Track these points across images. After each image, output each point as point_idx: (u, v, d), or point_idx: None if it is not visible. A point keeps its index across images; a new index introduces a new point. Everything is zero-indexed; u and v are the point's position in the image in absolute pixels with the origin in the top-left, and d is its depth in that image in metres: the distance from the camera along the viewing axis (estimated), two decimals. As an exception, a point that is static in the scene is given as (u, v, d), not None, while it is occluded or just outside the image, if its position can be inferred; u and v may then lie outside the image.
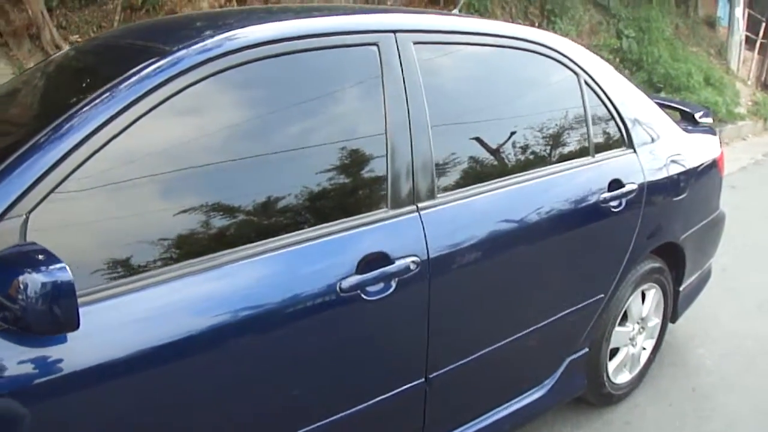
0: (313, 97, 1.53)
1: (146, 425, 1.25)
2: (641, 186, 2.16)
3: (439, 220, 1.61)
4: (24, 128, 1.38)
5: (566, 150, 2.05)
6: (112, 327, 1.18)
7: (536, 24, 7.39)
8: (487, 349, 1.80)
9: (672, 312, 2.71)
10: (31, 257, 1.04)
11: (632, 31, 7.99)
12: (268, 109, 1.49)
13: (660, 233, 2.34)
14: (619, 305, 2.29)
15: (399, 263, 1.50)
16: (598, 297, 2.12)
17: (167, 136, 1.34)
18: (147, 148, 1.30)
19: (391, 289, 1.50)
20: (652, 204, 2.23)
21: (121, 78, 1.30)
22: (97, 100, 1.25)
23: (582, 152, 2.06)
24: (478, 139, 1.80)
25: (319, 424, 1.49)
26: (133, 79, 1.30)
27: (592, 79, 2.10)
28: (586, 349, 2.23)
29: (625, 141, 2.19)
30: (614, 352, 2.44)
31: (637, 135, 2.22)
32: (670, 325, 2.78)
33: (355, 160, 1.55)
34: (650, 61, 7.76)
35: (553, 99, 2.06)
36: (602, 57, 7.24)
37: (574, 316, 2.07)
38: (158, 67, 1.31)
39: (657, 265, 2.43)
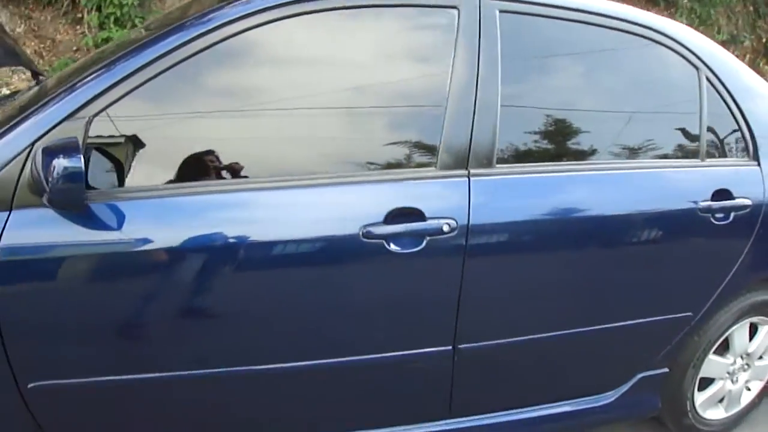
0: (382, 53, 1.59)
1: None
2: (759, 203, 1.93)
3: (491, 190, 1.59)
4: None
5: (668, 148, 1.89)
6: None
7: (764, 39, 6.76)
8: (531, 336, 1.73)
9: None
10: (66, 148, 1.23)
11: None
12: (338, 59, 1.57)
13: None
14: (715, 331, 2.07)
15: (431, 222, 1.50)
16: (683, 314, 1.94)
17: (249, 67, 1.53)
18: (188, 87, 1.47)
19: (420, 247, 1.50)
20: (771, 225, 1.98)
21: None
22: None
23: (689, 154, 1.89)
24: (558, 120, 1.74)
25: (340, 360, 1.55)
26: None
27: (716, 77, 1.91)
28: (666, 370, 2.04)
29: (749, 151, 1.96)
30: (708, 383, 2.22)
31: (765, 145, 1.98)
32: None
33: (412, 119, 1.59)
34: None
35: (662, 92, 1.91)
36: None
37: (649, 329, 1.91)
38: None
39: (773, 297, 2.16)
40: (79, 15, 4.44)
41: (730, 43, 6.35)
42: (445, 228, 1.50)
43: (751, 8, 6.60)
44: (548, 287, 1.73)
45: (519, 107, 1.66)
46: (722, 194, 1.87)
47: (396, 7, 1.57)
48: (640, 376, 1.99)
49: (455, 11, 1.57)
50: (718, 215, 1.86)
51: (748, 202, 1.90)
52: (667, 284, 1.89)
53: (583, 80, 1.81)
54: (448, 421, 1.77)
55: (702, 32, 5.96)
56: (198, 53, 1.42)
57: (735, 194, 1.89)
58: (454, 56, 1.55)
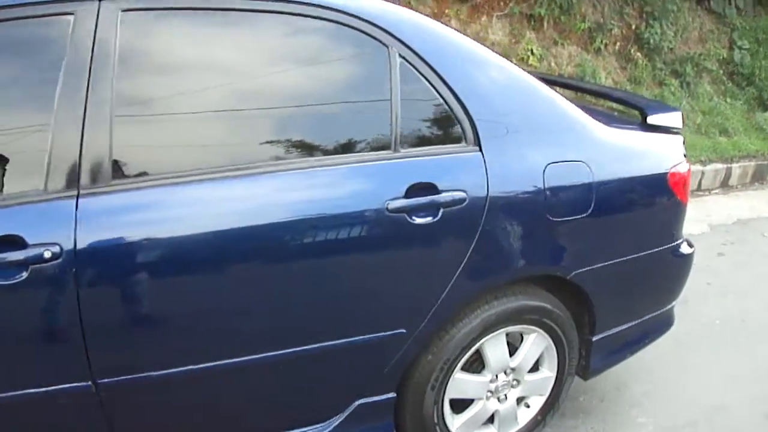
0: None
1: None
2: (479, 195, 1.66)
3: (105, 209, 1.37)
4: None
5: (355, 141, 1.62)
6: None
7: (633, 27, 6.58)
8: (195, 366, 1.48)
9: (584, 366, 2.13)
10: None
11: (746, 43, 6.89)
12: None
13: (522, 262, 1.80)
14: (455, 347, 1.79)
15: (32, 249, 1.30)
16: (394, 332, 1.66)
17: None
18: None
19: (23, 277, 1.31)
20: (503, 221, 1.72)
21: None
22: None
23: (376, 145, 1.61)
24: (207, 123, 1.51)
25: None
26: None
27: (415, 53, 1.63)
28: (393, 395, 1.76)
29: (465, 135, 1.69)
30: (469, 403, 1.95)
31: (489, 128, 1.70)
32: (612, 380, 2.33)
33: (16, 139, 1.38)
34: (763, 76, 6.63)
35: (346, 77, 1.65)
36: (706, 68, 6.29)
37: (354, 350, 1.64)
38: None
39: (535, 303, 1.89)
40: None
41: (597, 30, 6.16)
42: (47, 255, 1.31)
43: (618, -5, 6.43)
44: (201, 310, 1.48)
45: (142, 116, 1.46)
46: (422, 188, 1.60)
47: (11, 21, 1.36)
48: (358, 403, 1.72)
49: (71, 17, 1.37)
50: (417, 214, 1.58)
51: (461, 195, 1.63)
52: (367, 299, 1.62)
53: (235, 75, 1.55)
54: None
55: (563, 22, 5.72)
56: None
57: (441, 187, 1.61)
58: (63, 66, 1.36)
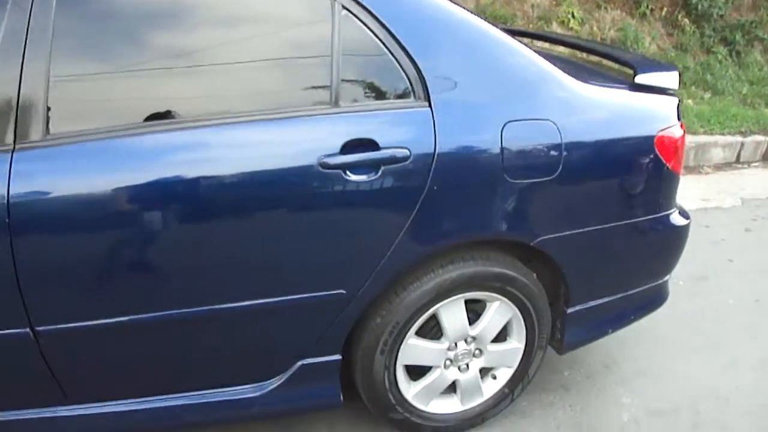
0: None
1: None
2: (425, 153, 1.59)
3: (43, 161, 1.38)
4: None
5: (278, 95, 1.57)
6: None
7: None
8: (135, 317, 1.50)
9: (558, 340, 2.04)
10: None
11: (807, 10, 6.43)
12: None
13: (475, 226, 1.72)
14: (405, 311, 1.73)
15: None
16: (332, 292, 1.62)
17: None
18: None
19: None
20: (453, 182, 1.63)
21: None
22: None
23: (315, 100, 1.56)
24: (132, 77, 1.48)
25: None
26: None
27: (358, 4, 1.56)
28: (338, 357, 1.73)
29: (414, 90, 1.61)
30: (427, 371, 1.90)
31: (441, 83, 1.61)
32: (603, 356, 2.26)
33: None
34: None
35: (274, 27, 1.58)
36: (758, 37, 6.01)
37: (292, 309, 1.60)
38: None
39: (497, 270, 1.81)
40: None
41: (644, -8, 5.84)
42: None
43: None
44: (133, 262, 1.49)
45: (79, 69, 1.44)
46: (360, 145, 1.53)
47: None
48: (300, 363, 1.69)
49: None
50: (354, 171, 1.52)
51: (403, 152, 1.56)
52: (301, 257, 1.57)
53: (173, 26, 1.51)
54: (66, 407, 1.59)
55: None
56: None
57: (382, 144, 1.55)
58: (5, 21, 1.35)
